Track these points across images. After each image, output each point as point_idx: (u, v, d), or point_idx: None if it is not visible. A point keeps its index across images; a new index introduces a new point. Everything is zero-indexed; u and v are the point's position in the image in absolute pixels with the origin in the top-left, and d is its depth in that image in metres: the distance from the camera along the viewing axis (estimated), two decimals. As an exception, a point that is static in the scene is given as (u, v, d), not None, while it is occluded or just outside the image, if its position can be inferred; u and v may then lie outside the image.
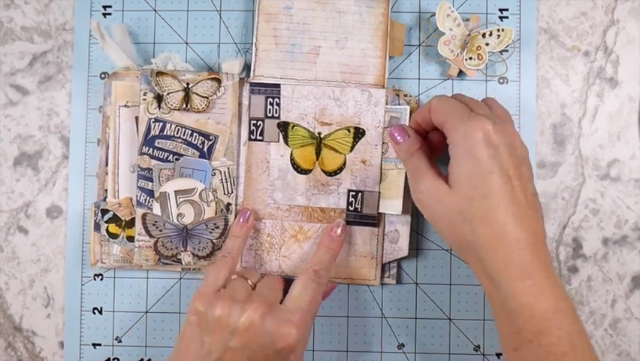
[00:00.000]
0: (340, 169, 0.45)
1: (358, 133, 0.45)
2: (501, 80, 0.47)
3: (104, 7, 0.47)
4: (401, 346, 0.47)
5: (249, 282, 0.41)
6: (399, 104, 0.45)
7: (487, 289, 0.37)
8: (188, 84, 0.45)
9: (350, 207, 0.45)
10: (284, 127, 0.45)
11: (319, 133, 0.45)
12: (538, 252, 0.36)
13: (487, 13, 0.47)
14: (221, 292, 0.39)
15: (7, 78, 0.48)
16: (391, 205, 0.44)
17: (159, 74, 0.45)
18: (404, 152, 0.41)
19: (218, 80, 0.45)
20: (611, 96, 0.47)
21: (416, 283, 0.47)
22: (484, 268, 0.36)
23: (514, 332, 0.35)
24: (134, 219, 0.45)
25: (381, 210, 0.44)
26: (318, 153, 0.45)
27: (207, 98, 0.44)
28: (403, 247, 0.45)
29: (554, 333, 0.34)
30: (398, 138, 0.42)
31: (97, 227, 0.46)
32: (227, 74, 0.45)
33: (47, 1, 0.48)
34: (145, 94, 0.44)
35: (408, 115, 0.43)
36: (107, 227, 0.45)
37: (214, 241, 0.45)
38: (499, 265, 0.35)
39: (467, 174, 0.36)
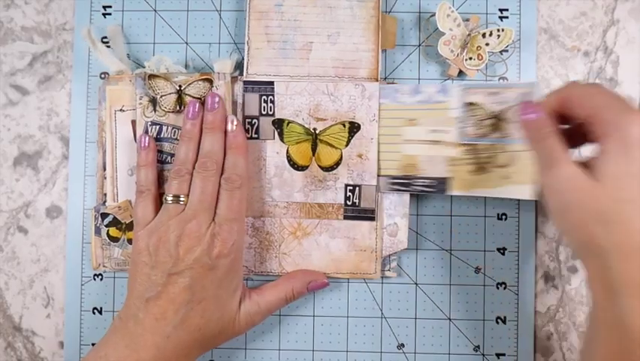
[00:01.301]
0: (337, 164, 0.45)
1: (353, 127, 0.45)
2: (501, 80, 0.47)
3: (104, 7, 0.47)
4: (401, 346, 0.47)
5: (181, 200, 0.41)
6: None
7: (599, 300, 0.33)
8: (180, 86, 0.45)
9: (348, 202, 0.45)
10: (279, 124, 0.45)
11: (314, 129, 0.45)
12: None
13: (487, 13, 0.47)
14: (152, 225, 0.40)
15: (7, 78, 0.48)
16: (522, 190, 0.41)
17: (151, 77, 0.45)
18: (536, 131, 0.37)
19: (210, 81, 0.45)
20: (611, 96, 0.47)
21: (416, 283, 0.47)
22: (606, 278, 0.32)
23: (620, 351, 0.32)
24: (133, 221, 0.45)
25: (508, 196, 0.42)
26: (314, 149, 0.45)
27: (200, 99, 0.44)
28: (402, 240, 0.45)
29: None
30: (532, 113, 0.37)
31: (97, 231, 0.46)
32: (219, 73, 0.45)
33: (47, 1, 0.48)
34: (140, 98, 0.45)
35: (538, 89, 0.40)
36: (108, 231, 0.45)
37: (214, 241, 0.46)
38: (628, 278, 0.32)
39: (619, 173, 0.32)
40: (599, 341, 0.33)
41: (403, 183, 0.44)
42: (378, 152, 0.44)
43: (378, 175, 0.45)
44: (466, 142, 0.43)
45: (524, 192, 0.41)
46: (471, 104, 0.42)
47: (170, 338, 0.38)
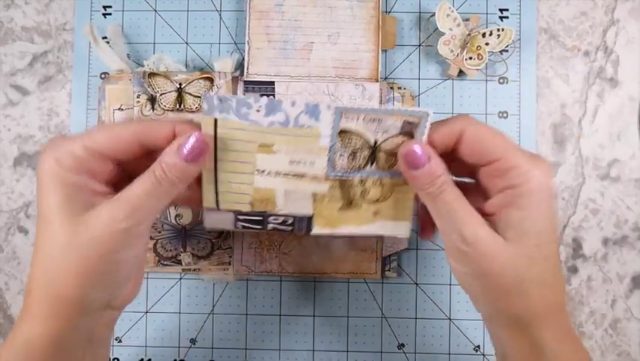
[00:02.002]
0: None
1: None
2: (501, 80, 0.47)
3: (104, 7, 0.47)
4: (401, 346, 0.47)
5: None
6: (393, 98, 0.45)
7: (525, 357, 0.32)
8: (180, 84, 0.45)
9: None
10: None
11: None
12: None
13: (487, 13, 0.47)
14: None
15: (8, 78, 0.48)
16: (395, 228, 0.37)
17: (151, 75, 0.45)
18: (429, 182, 0.31)
19: (211, 80, 0.45)
20: (611, 96, 0.47)
21: (416, 283, 0.47)
22: (529, 336, 0.31)
23: None
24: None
25: (378, 233, 0.37)
26: None
27: (200, 97, 0.44)
28: (402, 240, 0.45)
29: None
30: (421, 157, 0.31)
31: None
32: (219, 72, 0.45)
33: (47, 1, 0.48)
34: (138, 96, 0.45)
35: (429, 122, 0.32)
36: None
37: (213, 240, 0.45)
38: (548, 332, 0.31)
39: (537, 231, 0.30)
40: None
41: (254, 220, 0.37)
42: (216, 182, 0.34)
43: (213, 209, 0.36)
44: (335, 176, 0.35)
45: (397, 229, 0.36)
46: (346, 131, 0.33)
47: None
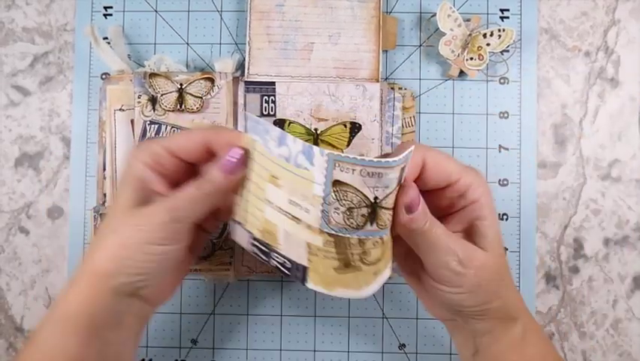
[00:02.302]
0: None
1: (354, 128, 0.45)
2: (502, 81, 0.47)
3: (105, 7, 0.47)
4: (402, 346, 0.47)
5: None
6: (394, 98, 0.45)
7: (506, 333, 0.35)
8: (181, 85, 0.45)
9: None
10: (280, 124, 0.45)
11: (315, 129, 0.45)
12: None
13: (487, 14, 0.47)
14: None
15: (9, 79, 0.48)
16: (384, 277, 0.34)
17: (152, 75, 0.45)
18: (423, 220, 0.32)
19: (212, 80, 0.45)
20: (612, 96, 0.47)
21: (417, 284, 0.47)
22: (510, 315, 0.35)
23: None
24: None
25: (375, 289, 0.34)
26: None
27: (201, 98, 0.44)
28: None
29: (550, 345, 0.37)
30: (418, 200, 0.32)
31: (98, 228, 0.46)
32: (220, 73, 0.45)
33: (48, 1, 0.48)
34: (139, 97, 0.45)
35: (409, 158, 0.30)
36: (108, 228, 0.45)
37: (214, 240, 0.45)
38: (517, 304, 0.36)
39: (497, 232, 0.35)
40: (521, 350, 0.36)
41: (262, 250, 0.35)
42: (246, 199, 0.34)
43: (238, 222, 0.36)
44: (330, 232, 0.31)
45: (387, 275, 0.34)
46: (341, 183, 0.30)
47: None
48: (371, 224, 0.31)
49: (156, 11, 0.47)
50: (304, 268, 0.33)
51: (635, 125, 0.47)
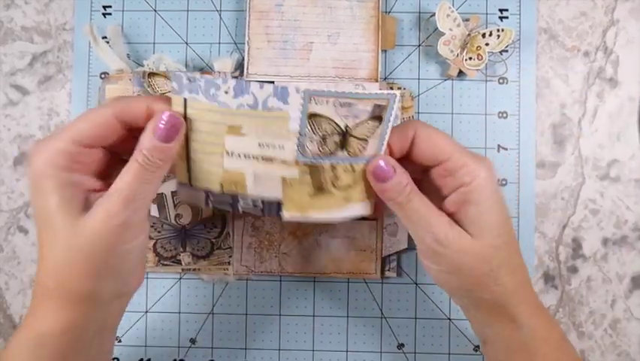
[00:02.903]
0: None
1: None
2: (501, 81, 0.47)
3: (104, 7, 0.47)
4: (401, 346, 0.47)
5: None
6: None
7: (507, 334, 0.35)
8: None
9: None
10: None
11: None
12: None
13: (487, 14, 0.47)
14: None
15: (7, 78, 0.48)
16: (358, 209, 0.36)
17: (151, 75, 0.45)
18: (397, 191, 0.33)
19: None
20: (611, 96, 0.47)
21: (416, 283, 0.47)
22: (506, 314, 0.34)
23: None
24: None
25: (345, 216, 0.36)
26: None
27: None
28: (402, 240, 0.45)
29: (566, 359, 0.35)
30: (388, 171, 0.33)
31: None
32: (219, 72, 0.45)
33: (47, 1, 0.48)
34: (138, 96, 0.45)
35: (397, 105, 0.32)
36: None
37: (213, 240, 0.45)
38: (522, 308, 0.34)
39: (494, 221, 0.33)
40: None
41: (225, 201, 0.37)
42: (188, 159, 0.34)
43: (190, 186, 0.36)
44: (306, 162, 0.34)
45: (360, 210, 0.36)
46: (316, 115, 0.33)
47: None
48: (342, 150, 0.34)
49: (155, 11, 0.47)
50: (277, 203, 0.36)
51: (633, 125, 0.47)
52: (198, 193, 0.36)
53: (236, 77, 0.45)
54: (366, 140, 0.34)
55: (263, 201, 0.36)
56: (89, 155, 0.31)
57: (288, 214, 0.36)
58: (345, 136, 0.33)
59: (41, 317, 0.31)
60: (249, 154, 0.34)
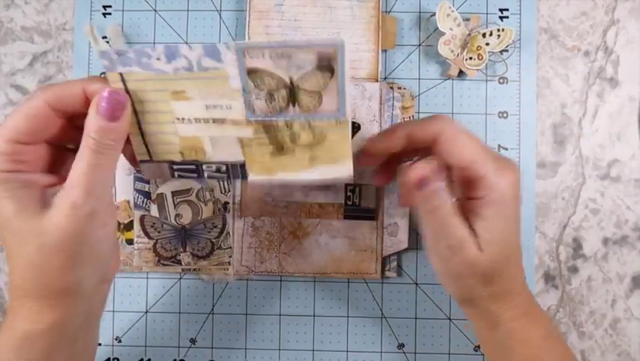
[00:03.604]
0: None
1: (353, 127, 0.45)
2: (501, 80, 0.47)
3: (104, 6, 0.47)
4: (401, 346, 0.47)
5: None
6: (393, 98, 0.45)
7: (485, 335, 0.36)
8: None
9: (348, 202, 0.45)
10: None
11: None
12: (526, 285, 0.37)
13: (487, 13, 0.47)
14: None
15: (8, 78, 0.48)
16: (336, 171, 0.36)
17: None
18: (436, 196, 0.32)
19: None
20: (612, 96, 0.47)
21: (416, 283, 0.47)
22: (489, 316, 0.35)
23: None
24: (132, 222, 0.45)
25: (321, 178, 0.36)
26: None
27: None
28: (402, 240, 0.45)
29: (545, 358, 0.35)
30: (430, 184, 0.32)
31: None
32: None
33: (47, 1, 0.48)
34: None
35: (346, 54, 0.31)
36: (107, 227, 0.45)
37: (213, 240, 0.45)
38: (505, 311, 0.35)
39: (500, 239, 0.33)
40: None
41: (189, 169, 0.36)
42: (142, 134, 0.34)
43: (152, 161, 0.36)
44: (257, 120, 0.34)
45: (339, 172, 0.36)
46: (256, 70, 0.32)
47: None
48: (293, 105, 0.33)
49: (155, 10, 0.47)
50: (242, 165, 0.36)
51: (634, 125, 0.47)
52: (162, 167, 0.36)
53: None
54: (319, 94, 0.32)
55: (227, 166, 0.36)
56: (32, 152, 0.30)
57: (253, 175, 0.36)
58: (292, 90, 0.32)
59: (24, 317, 0.30)
60: (199, 118, 0.34)
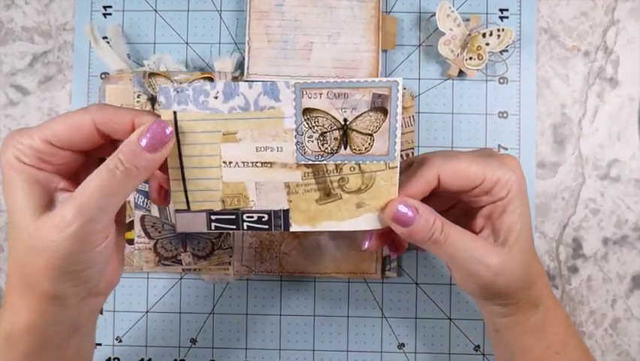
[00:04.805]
0: None
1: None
2: (501, 80, 0.47)
3: (105, 7, 0.47)
4: (401, 346, 0.47)
5: None
6: None
7: (523, 320, 0.36)
8: (180, 84, 0.45)
9: None
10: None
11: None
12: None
13: (487, 13, 0.47)
14: None
15: (8, 78, 0.48)
16: (374, 221, 0.34)
17: (152, 75, 0.45)
18: (427, 231, 0.32)
19: (211, 79, 0.45)
20: (611, 96, 0.47)
21: (416, 283, 0.47)
22: (534, 304, 0.35)
23: (545, 347, 0.35)
24: (132, 222, 0.45)
25: (361, 228, 0.34)
26: None
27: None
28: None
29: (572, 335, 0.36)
30: (409, 214, 0.32)
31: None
32: (219, 72, 0.45)
33: (48, 1, 0.48)
34: (138, 96, 0.45)
35: (400, 92, 0.31)
36: (107, 227, 0.45)
37: (213, 240, 0.45)
38: (544, 293, 0.35)
39: (527, 227, 0.33)
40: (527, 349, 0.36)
41: (227, 219, 0.34)
42: (184, 180, 0.33)
43: (189, 210, 0.34)
44: (307, 162, 0.33)
45: (375, 222, 0.34)
46: (311, 110, 0.31)
47: None
48: (345, 148, 0.32)
49: (156, 11, 0.47)
50: (285, 212, 0.34)
51: (634, 125, 0.47)
52: (199, 217, 0.34)
53: (233, 79, 0.45)
54: (371, 135, 0.32)
55: (269, 215, 0.34)
56: (62, 155, 0.30)
57: (296, 226, 0.34)
58: (345, 131, 0.32)
59: (6, 316, 0.30)
60: (247, 161, 0.32)
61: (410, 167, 0.35)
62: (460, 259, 0.33)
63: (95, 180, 0.28)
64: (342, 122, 0.32)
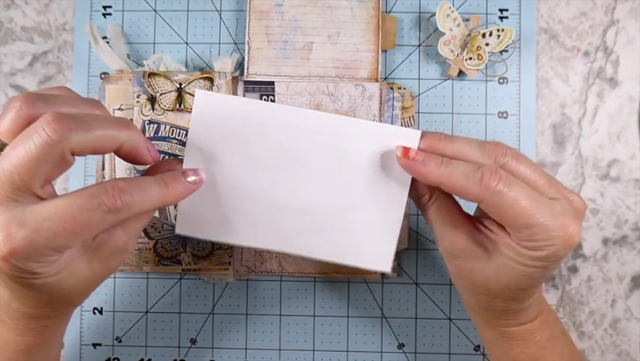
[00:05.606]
0: None
1: None
2: (501, 80, 0.47)
3: (104, 7, 0.47)
4: (401, 346, 0.47)
5: None
6: (393, 98, 0.45)
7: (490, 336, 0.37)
8: (180, 84, 0.45)
9: None
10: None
11: None
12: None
13: (487, 14, 0.47)
14: None
15: (8, 78, 0.48)
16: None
17: (151, 75, 0.45)
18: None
19: (211, 80, 0.45)
20: (611, 96, 0.47)
21: (416, 283, 0.47)
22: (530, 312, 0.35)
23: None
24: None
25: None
26: None
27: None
28: (402, 240, 0.45)
29: (549, 359, 0.35)
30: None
31: (97, 227, 0.45)
32: (219, 72, 0.45)
33: (47, 1, 0.48)
34: (138, 96, 0.45)
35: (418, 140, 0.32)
36: (107, 227, 0.45)
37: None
38: (540, 300, 0.35)
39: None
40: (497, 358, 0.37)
41: None
42: None
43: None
44: None
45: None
46: None
47: None
48: None
49: (155, 11, 0.47)
50: None
51: (634, 125, 0.47)
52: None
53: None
54: None
55: None
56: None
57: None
58: None
59: (3, 330, 0.31)
60: None
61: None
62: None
63: (65, 203, 0.26)
64: None
